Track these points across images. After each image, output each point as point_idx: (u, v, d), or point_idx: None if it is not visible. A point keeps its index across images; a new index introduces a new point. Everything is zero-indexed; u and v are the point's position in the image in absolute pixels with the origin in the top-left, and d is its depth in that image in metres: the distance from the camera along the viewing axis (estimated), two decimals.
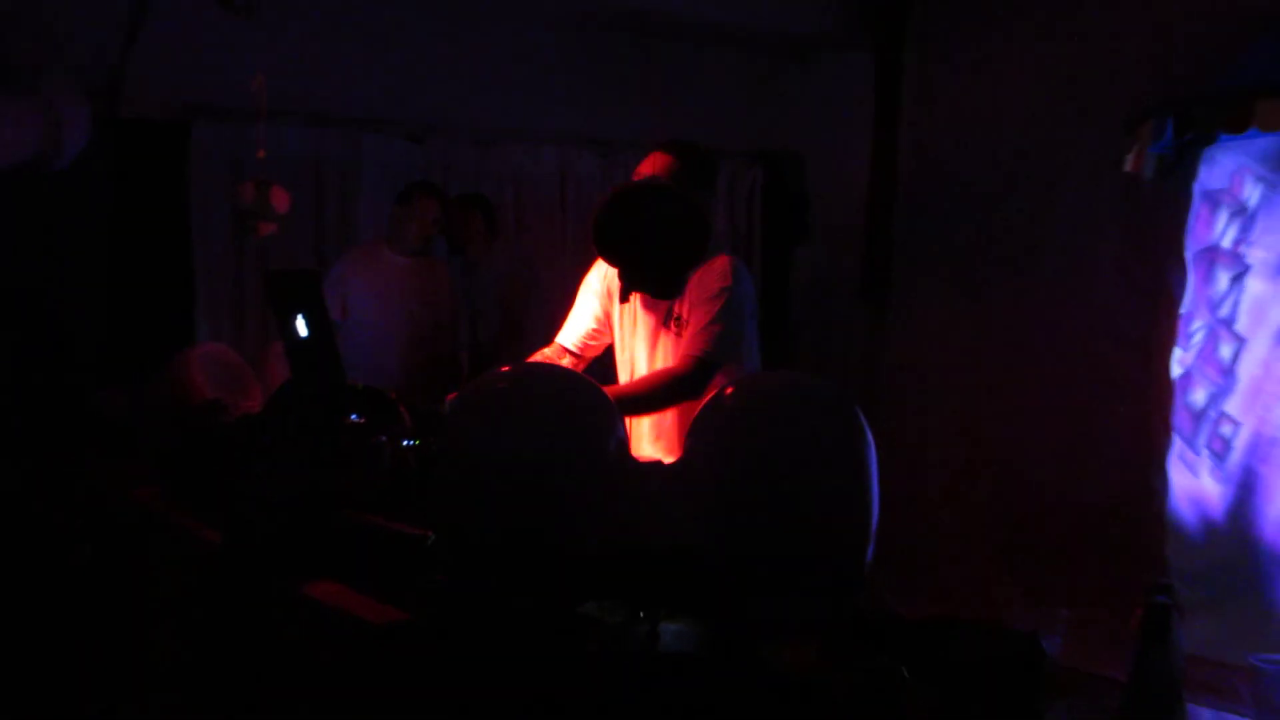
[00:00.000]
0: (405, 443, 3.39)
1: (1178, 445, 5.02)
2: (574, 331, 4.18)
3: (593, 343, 4.16)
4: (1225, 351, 4.86)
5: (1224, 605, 4.60)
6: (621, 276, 3.81)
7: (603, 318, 4.13)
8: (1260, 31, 4.42)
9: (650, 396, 3.80)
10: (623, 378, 4.11)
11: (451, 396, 3.38)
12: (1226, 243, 4.89)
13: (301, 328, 3.65)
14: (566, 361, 4.14)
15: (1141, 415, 5.20)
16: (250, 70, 5.46)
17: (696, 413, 2.78)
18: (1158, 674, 2.08)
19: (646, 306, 3.94)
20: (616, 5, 6.11)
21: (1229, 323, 4.87)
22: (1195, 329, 4.99)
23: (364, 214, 6.48)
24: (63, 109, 5.24)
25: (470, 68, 6.57)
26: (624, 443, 2.75)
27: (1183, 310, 5.05)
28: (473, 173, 6.74)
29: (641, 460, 3.43)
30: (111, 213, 5.88)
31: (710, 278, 3.82)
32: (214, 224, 6.15)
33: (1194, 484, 4.96)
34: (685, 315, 3.82)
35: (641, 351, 4.00)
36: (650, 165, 4.04)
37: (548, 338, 4.24)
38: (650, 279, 3.76)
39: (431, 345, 6.11)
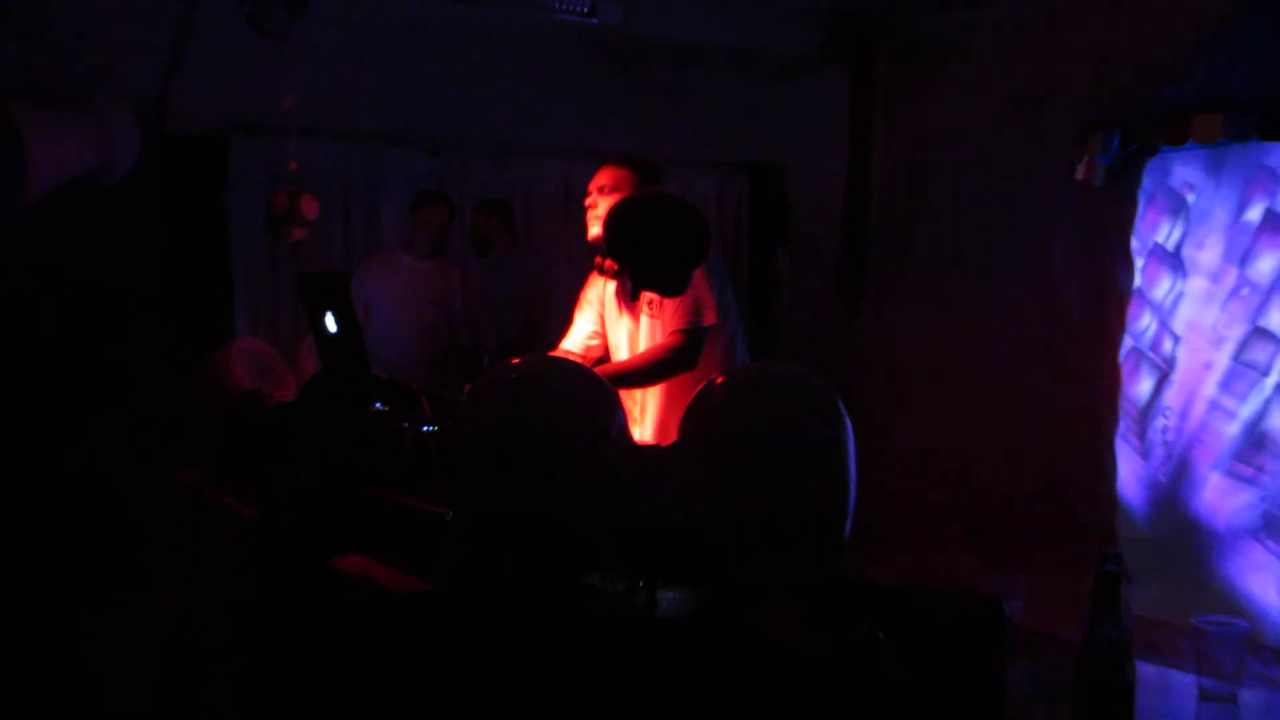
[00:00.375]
0: (425, 429, 3.39)
1: (1125, 428, 5.02)
2: (577, 336, 4.20)
3: (593, 343, 4.18)
4: (1167, 344, 4.85)
5: (1167, 573, 4.60)
6: (632, 277, 3.80)
7: (598, 320, 4.15)
8: (1197, 51, 4.42)
9: (648, 370, 3.85)
10: (613, 359, 4.12)
11: (468, 387, 3.38)
12: (1170, 245, 4.89)
13: (331, 324, 3.65)
14: None
15: (1092, 401, 5.20)
16: (283, 90, 5.46)
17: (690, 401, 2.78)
18: (1109, 635, 2.07)
19: (627, 294, 3.99)
20: (616, 30, 6.10)
21: (1169, 318, 4.87)
22: (1145, 324, 4.98)
23: (386, 221, 6.48)
24: (117, 128, 5.25)
25: (483, 88, 6.58)
26: (624, 427, 2.74)
27: (1130, 306, 5.04)
28: (486, 184, 6.73)
29: (640, 444, 3.43)
30: (160, 219, 5.89)
31: None
32: (251, 230, 6.16)
33: (1139, 464, 4.96)
34: (658, 297, 3.86)
35: (624, 333, 4.04)
36: (606, 177, 4.04)
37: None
38: (659, 279, 3.75)
39: (446, 339, 6.12)
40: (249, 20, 4.86)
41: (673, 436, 2.79)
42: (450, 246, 6.27)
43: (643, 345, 3.97)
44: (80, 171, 5.14)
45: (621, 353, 4.07)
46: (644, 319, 3.94)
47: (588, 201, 4.03)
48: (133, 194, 5.54)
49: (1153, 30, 5.11)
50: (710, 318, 3.84)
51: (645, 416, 4.02)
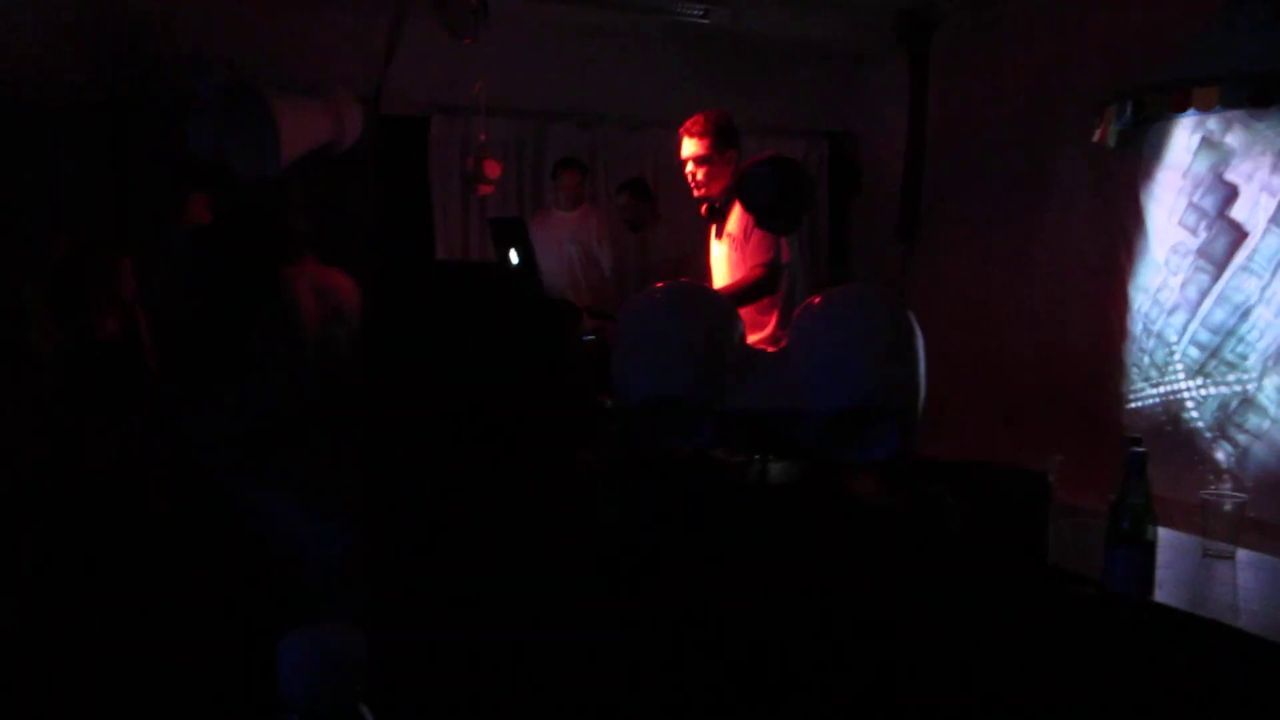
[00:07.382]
0: (585, 337, 3.38)
1: (1132, 340, 4.83)
2: None
3: None
4: (1170, 279, 4.65)
5: (1173, 455, 4.45)
6: (758, 221, 3.69)
7: None
8: (1196, 33, 4.17)
9: (740, 295, 3.70)
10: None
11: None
12: (1171, 198, 4.66)
13: (514, 258, 3.64)
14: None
15: (1106, 321, 5.01)
16: (472, 79, 5.47)
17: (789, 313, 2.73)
18: (1136, 502, 1.99)
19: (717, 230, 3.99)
20: (725, 26, 6.04)
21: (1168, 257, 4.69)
22: (1153, 261, 4.77)
23: (549, 179, 6.44)
24: (344, 110, 5.30)
25: (623, 74, 6.48)
26: (743, 334, 2.70)
27: (1137, 245, 4.83)
28: (624, 151, 6.66)
29: (755, 347, 3.38)
30: (379, 180, 5.97)
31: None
32: (448, 187, 6.21)
33: (1141, 368, 4.77)
34: (734, 232, 3.82)
35: (714, 259, 4.01)
36: (690, 147, 4.03)
37: None
38: (779, 220, 3.65)
39: (585, 267, 6.04)
40: (444, 26, 4.85)
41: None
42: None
43: (723, 268, 3.91)
44: (317, 144, 5.22)
45: (712, 272, 4.02)
46: (725, 248, 3.90)
47: (687, 171, 3.98)
48: (357, 161, 5.62)
49: (1158, 17, 4.85)
50: (785, 256, 3.75)
51: None
